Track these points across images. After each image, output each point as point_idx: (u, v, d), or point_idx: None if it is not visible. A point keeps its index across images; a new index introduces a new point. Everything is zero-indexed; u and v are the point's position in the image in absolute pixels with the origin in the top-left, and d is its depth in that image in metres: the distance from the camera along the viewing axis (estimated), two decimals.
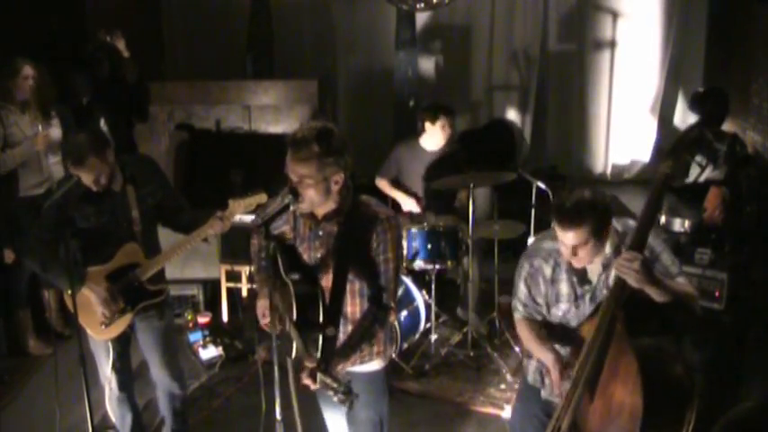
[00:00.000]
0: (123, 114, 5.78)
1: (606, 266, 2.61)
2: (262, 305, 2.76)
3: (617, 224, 2.62)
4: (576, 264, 2.58)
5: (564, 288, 2.68)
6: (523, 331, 2.85)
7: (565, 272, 2.67)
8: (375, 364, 2.79)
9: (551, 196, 4.69)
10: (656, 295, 2.41)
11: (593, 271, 2.64)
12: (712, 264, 4.32)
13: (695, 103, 5.17)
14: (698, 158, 4.78)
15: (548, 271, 2.71)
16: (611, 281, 2.57)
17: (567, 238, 2.49)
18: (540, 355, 2.77)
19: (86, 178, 3.17)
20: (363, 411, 2.83)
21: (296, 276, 2.64)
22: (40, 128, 4.46)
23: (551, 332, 2.75)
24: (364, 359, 2.74)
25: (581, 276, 2.66)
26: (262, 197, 3.28)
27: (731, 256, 4.44)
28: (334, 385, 2.39)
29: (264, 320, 2.70)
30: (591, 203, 2.46)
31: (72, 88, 5.17)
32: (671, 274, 2.58)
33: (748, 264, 4.42)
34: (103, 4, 6.85)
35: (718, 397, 3.65)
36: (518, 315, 2.87)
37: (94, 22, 6.23)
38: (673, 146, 2.52)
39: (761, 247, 4.53)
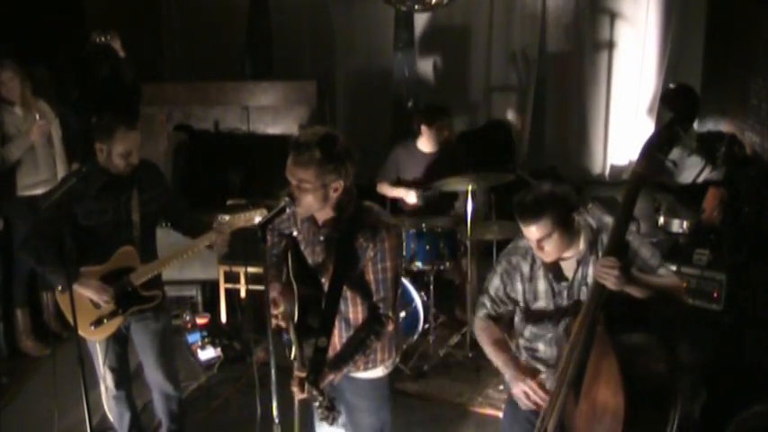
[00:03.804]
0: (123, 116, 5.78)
1: (581, 262, 2.60)
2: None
3: (591, 220, 2.63)
4: (546, 258, 2.57)
5: (541, 285, 2.68)
6: (482, 333, 2.83)
7: (542, 270, 2.67)
8: (379, 371, 2.79)
9: None
10: (637, 293, 2.41)
11: (569, 268, 2.64)
12: (711, 264, 4.32)
13: (665, 102, 5.16)
14: (671, 157, 4.78)
15: (525, 268, 2.71)
16: (588, 278, 2.58)
17: (531, 232, 2.50)
18: (496, 363, 2.77)
19: (117, 152, 3.19)
20: (366, 417, 2.84)
21: (300, 279, 2.64)
22: (37, 116, 4.48)
23: (534, 332, 2.74)
24: (368, 366, 2.74)
25: (557, 273, 2.65)
26: (263, 212, 3.29)
27: (730, 257, 4.44)
28: (320, 398, 2.40)
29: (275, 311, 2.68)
30: (549, 195, 2.50)
31: (63, 84, 5.17)
32: (651, 267, 2.58)
33: (747, 264, 4.42)
34: (102, 5, 6.85)
35: (715, 398, 3.65)
36: (481, 312, 2.84)
37: (93, 23, 6.23)
38: (645, 147, 2.52)
39: (759, 247, 4.53)
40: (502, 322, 2.85)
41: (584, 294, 2.60)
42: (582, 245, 2.58)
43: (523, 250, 2.73)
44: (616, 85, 7.78)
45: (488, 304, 2.83)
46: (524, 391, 2.63)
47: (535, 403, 2.62)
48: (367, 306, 2.65)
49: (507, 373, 2.71)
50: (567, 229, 2.51)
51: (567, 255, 2.60)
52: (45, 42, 5.68)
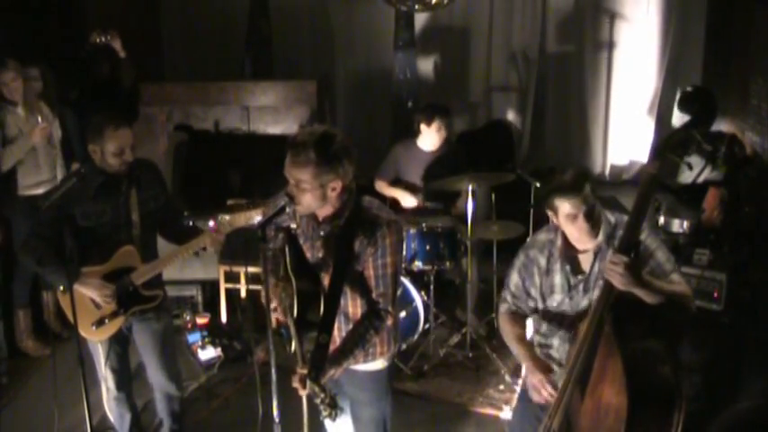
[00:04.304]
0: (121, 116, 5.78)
1: (597, 256, 2.62)
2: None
3: (609, 215, 2.65)
4: (583, 239, 2.57)
5: (558, 279, 2.70)
6: (505, 326, 2.89)
7: (559, 262, 2.69)
8: (378, 363, 2.80)
9: None
10: (645, 297, 2.42)
11: (585, 261, 2.66)
12: (711, 264, 4.33)
13: (683, 104, 5.13)
14: (686, 159, 4.77)
15: (542, 261, 2.73)
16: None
17: (574, 206, 2.52)
18: (517, 355, 2.83)
19: (109, 151, 3.18)
20: (366, 410, 2.86)
21: (299, 274, 2.64)
22: (39, 119, 4.49)
23: (550, 328, 2.75)
24: (367, 358, 2.75)
25: (574, 266, 2.67)
26: (263, 211, 3.28)
27: (730, 257, 4.45)
28: (322, 395, 2.40)
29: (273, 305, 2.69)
30: (581, 171, 2.64)
31: (63, 84, 5.17)
32: (665, 271, 2.59)
33: (747, 264, 4.42)
34: (102, 5, 6.85)
35: (716, 398, 3.66)
36: (503, 307, 2.90)
37: (93, 23, 6.23)
38: (659, 147, 2.53)
39: (759, 247, 4.53)
40: (524, 318, 2.89)
41: (599, 289, 2.60)
42: (600, 237, 2.60)
43: (541, 244, 2.76)
44: (616, 85, 7.79)
45: (509, 299, 2.87)
46: (537, 383, 2.68)
47: (545, 399, 2.67)
48: (366, 301, 2.65)
49: (526, 363, 2.79)
50: (597, 204, 2.57)
51: (587, 246, 2.62)
52: (45, 42, 5.68)
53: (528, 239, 2.86)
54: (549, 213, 2.64)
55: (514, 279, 2.83)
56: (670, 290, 2.52)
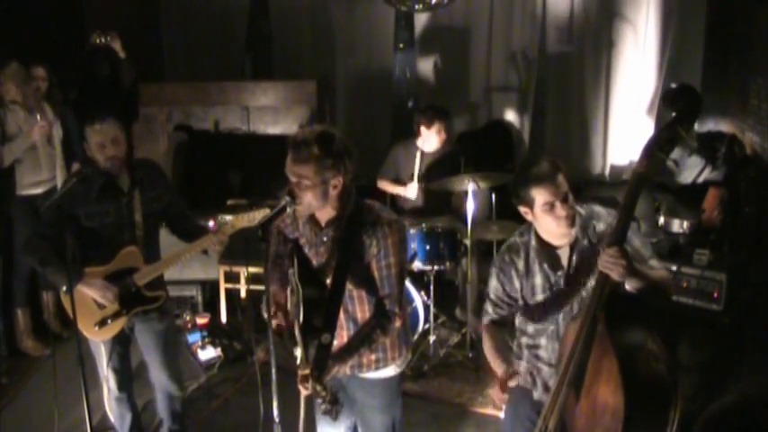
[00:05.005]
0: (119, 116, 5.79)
1: (574, 248, 2.62)
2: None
3: (579, 208, 2.64)
4: (565, 222, 2.56)
5: (538, 280, 2.69)
6: (487, 338, 2.83)
7: (537, 263, 2.68)
8: (390, 370, 2.81)
9: None
10: (634, 285, 2.43)
11: (563, 255, 2.66)
12: (711, 264, 4.33)
13: (667, 101, 5.14)
14: (672, 156, 4.78)
15: (520, 264, 2.72)
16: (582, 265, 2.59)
17: (553, 193, 2.52)
18: (492, 364, 2.78)
19: (92, 145, 3.22)
20: (378, 416, 2.86)
21: (305, 281, 2.64)
22: (38, 117, 4.50)
23: (536, 328, 2.74)
24: (379, 365, 2.76)
25: (552, 263, 2.66)
26: (265, 212, 3.29)
27: (730, 257, 4.45)
28: (323, 393, 2.40)
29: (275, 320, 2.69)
30: (552, 160, 2.61)
31: (63, 85, 5.18)
32: (643, 257, 2.60)
33: (747, 264, 4.42)
34: (102, 5, 6.86)
35: (714, 398, 3.66)
36: (486, 319, 2.85)
37: (93, 24, 6.24)
38: (646, 145, 2.53)
39: (759, 247, 4.53)
40: (507, 327, 2.85)
41: (579, 282, 2.61)
42: (575, 229, 2.60)
43: (516, 247, 2.74)
44: (616, 85, 7.78)
45: (491, 309, 2.83)
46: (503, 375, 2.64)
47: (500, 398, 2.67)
48: (374, 303, 2.66)
49: (491, 358, 2.76)
50: (570, 193, 2.56)
51: (563, 240, 2.62)
52: (45, 43, 5.68)
53: (503, 246, 2.83)
54: (523, 210, 2.63)
55: (494, 285, 2.79)
56: (653, 276, 2.53)
